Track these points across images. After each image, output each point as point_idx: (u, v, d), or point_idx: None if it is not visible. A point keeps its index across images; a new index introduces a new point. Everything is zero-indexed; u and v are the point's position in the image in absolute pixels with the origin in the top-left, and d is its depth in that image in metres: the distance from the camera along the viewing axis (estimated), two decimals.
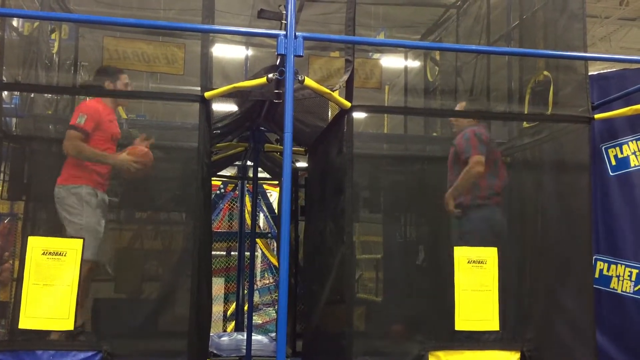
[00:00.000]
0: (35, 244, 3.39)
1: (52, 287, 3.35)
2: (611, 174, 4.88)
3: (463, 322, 3.75)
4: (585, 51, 4.28)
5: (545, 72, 4.70)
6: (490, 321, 3.79)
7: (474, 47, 5.72)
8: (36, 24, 5.53)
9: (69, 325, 3.32)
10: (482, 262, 3.83)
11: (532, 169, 4.91)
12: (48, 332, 3.39)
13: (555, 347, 4.18)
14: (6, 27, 5.11)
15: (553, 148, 4.59)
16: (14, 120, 5.60)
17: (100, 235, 4.23)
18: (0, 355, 3.22)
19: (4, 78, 4.87)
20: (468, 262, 3.82)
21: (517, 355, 3.75)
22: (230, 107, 6.31)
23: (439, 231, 5.33)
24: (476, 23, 5.80)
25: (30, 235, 3.57)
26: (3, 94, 5.04)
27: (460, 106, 4.75)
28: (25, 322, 3.31)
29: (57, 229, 4.50)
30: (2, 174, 4.91)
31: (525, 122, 4.97)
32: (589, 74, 4.33)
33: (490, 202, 4.58)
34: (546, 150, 4.69)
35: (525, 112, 4.95)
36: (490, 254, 3.87)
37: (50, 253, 3.38)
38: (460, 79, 5.97)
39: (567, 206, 4.38)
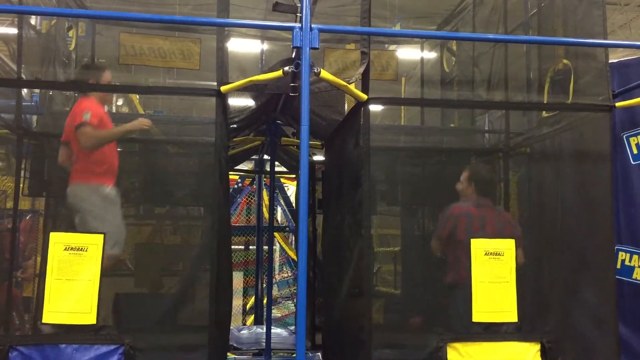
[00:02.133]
0: (57, 240, 3.43)
1: (74, 282, 3.39)
2: (633, 162, 4.81)
3: (480, 313, 3.74)
4: (605, 38, 4.21)
5: (565, 61, 4.63)
6: (508, 312, 3.76)
7: (491, 36, 5.67)
8: (54, 21, 5.58)
9: (91, 319, 3.36)
10: (499, 254, 3.80)
11: (552, 159, 4.86)
12: (71, 327, 3.43)
13: (576, 338, 4.14)
14: (24, 25, 5.17)
15: (573, 137, 4.54)
16: (34, 117, 5.68)
17: (124, 229, 4.32)
18: (24, 349, 3.27)
19: (23, 76, 4.93)
20: (485, 254, 3.79)
21: (537, 346, 3.72)
22: (247, 101, 6.32)
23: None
24: (493, 12, 5.74)
25: (51, 231, 3.60)
26: (23, 92, 5.10)
27: (463, 177, 4.57)
28: (49, 316, 3.35)
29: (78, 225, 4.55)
30: (22, 171, 4.97)
31: (544, 112, 4.91)
32: (609, 61, 4.25)
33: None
34: (566, 139, 4.63)
35: (545, 102, 4.89)
36: (507, 246, 3.84)
37: (72, 248, 3.42)
38: (477, 69, 5.91)
39: (587, 196, 4.32)
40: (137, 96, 9.54)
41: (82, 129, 4.14)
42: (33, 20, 5.69)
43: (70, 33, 5.91)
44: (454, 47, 6.67)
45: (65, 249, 3.40)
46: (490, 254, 3.77)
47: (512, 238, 3.94)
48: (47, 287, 3.36)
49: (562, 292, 4.37)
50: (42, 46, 5.47)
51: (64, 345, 3.31)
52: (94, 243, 3.45)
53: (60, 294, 3.37)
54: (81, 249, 3.43)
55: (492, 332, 3.75)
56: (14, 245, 4.90)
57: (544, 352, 3.68)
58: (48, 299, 3.36)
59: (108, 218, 4.17)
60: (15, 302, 5.59)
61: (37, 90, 6.03)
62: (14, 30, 5.39)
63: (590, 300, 4.14)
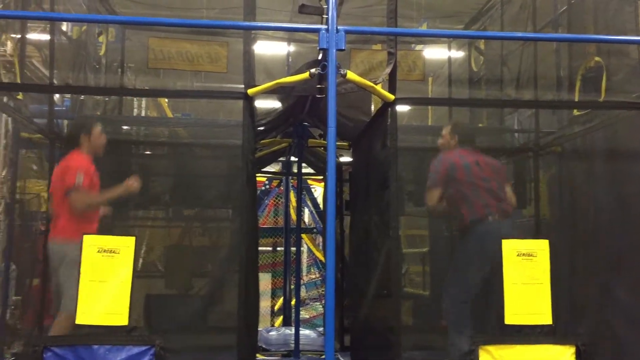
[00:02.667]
0: (90, 242, 3.49)
1: (106, 284, 3.44)
2: None
3: (513, 316, 3.68)
4: (638, 35, 4.13)
5: (597, 58, 4.55)
6: (542, 315, 3.69)
7: (520, 34, 5.59)
8: (84, 27, 5.69)
9: (123, 320, 3.41)
10: (532, 255, 3.74)
11: (584, 157, 4.77)
12: (103, 327, 3.48)
13: (612, 341, 4.06)
14: (56, 32, 5.27)
15: (606, 136, 4.45)
16: (65, 122, 5.78)
17: None
18: (58, 349, 3.33)
19: (55, 81, 5.03)
20: (517, 254, 3.73)
21: (572, 349, 3.64)
22: (273, 103, 6.35)
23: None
24: (522, 10, 5.66)
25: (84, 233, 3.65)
26: (55, 97, 5.20)
27: (445, 130, 4.46)
28: (82, 317, 3.41)
29: (107, 227, 4.63)
30: None
31: (575, 110, 4.83)
32: None
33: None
34: (598, 138, 4.55)
35: (576, 100, 4.81)
36: (541, 247, 3.77)
37: (104, 251, 3.47)
38: (506, 68, 5.84)
39: (621, 195, 4.24)
40: (166, 100, 9.66)
41: (75, 194, 4.04)
42: (64, 26, 5.81)
43: (100, 38, 6.02)
44: (482, 46, 6.60)
45: (98, 251, 3.46)
46: (523, 254, 3.71)
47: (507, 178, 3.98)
48: (80, 289, 3.42)
49: (597, 294, 4.28)
50: (73, 52, 5.58)
51: (96, 346, 3.35)
52: (125, 245, 3.50)
53: (93, 295, 3.42)
54: (113, 252, 3.47)
55: (526, 334, 3.69)
56: (47, 247, 5.00)
57: (578, 355, 3.60)
58: (81, 300, 3.41)
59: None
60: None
61: (68, 95, 6.15)
62: (46, 37, 5.51)
63: (626, 302, 4.05)
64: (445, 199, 4.22)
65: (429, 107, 7.86)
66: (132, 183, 4.26)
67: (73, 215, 4.09)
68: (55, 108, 5.30)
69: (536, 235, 5.08)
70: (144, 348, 3.39)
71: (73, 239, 3.90)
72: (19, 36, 5.08)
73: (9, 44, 5.14)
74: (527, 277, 3.68)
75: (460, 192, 4.16)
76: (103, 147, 4.37)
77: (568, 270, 4.45)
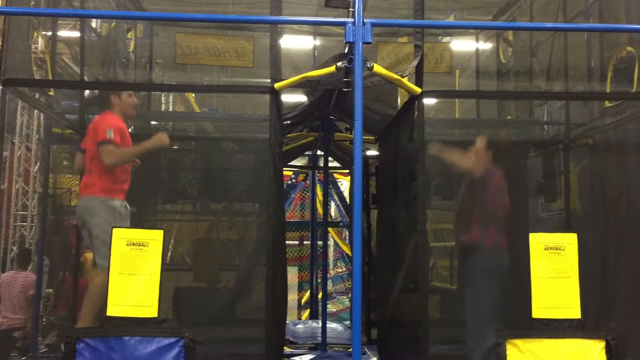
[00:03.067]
0: (120, 235, 3.55)
1: (136, 276, 3.49)
2: None
3: (541, 309, 3.64)
4: None
5: (629, 48, 4.45)
6: (570, 308, 3.65)
7: (550, 25, 5.50)
8: (113, 24, 5.76)
9: (152, 312, 3.46)
10: (560, 249, 3.69)
11: (615, 150, 4.68)
12: (134, 319, 3.54)
13: None
14: (86, 28, 5.36)
15: (638, 127, 4.36)
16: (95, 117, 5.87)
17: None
18: (91, 341, 3.40)
19: (86, 77, 5.11)
20: (545, 248, 3.69)
21: (602, 344, 3.59)
22: (300, 97, 6.35)
23: (514, 217, 5.18)
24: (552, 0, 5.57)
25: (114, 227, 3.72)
26: (85, 93, 5.29)
27: (481, 143, 4.32)
28: (113, 309, 3.47)
29: (138, 221, 4.70)
30: None
31: (607, 102, 4.74)
32: None
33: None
34: (631, 130, 4.46)
35: (608, 91, 4.71)
36: (569, 240, 3.72)
37: (133, 244, 3.52)
38: (535, 59, 5.75)
39: None
40: (193, 95, 9.74)
41: (105, 146, 4.09)
42: (94, 23, 5.89)
43: (129, 35, 6.09)
44: (511, 37, 6.50)
45: (127, 244, 3.52)
46: (551, 248, 3.67)
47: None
48: (110, 281, 3.48)
49: (628, 287, 4.21)
50: (102, 48, 5.66)
51: (127, 337, 3.42)
52: (154, 238, 3.55)
53: (123, 287, 3.48)
54: (142, 244, 3.53)
55: (554, 328, 3.65)
56: (79, 241, 5.10)
57: (608, 349, 3.55)
58: (112, 293, 3.48)
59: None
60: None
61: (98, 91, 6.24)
62: (76, 34, 5.59)
63: None
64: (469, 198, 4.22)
65: (456, 99, 7.77)
66: (162, 137, 4.32)
67: (104, 172, 4.14)
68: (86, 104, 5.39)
69: (567, 228, 5.01)
70: (173, 340, 3.44)
71: (104, 195, 4.09)
72: (49, 33, 5.17)
73: (41, 41, 5.24)
74: (554, 270, 3.63)
75: (483, 207, 4.13)
76: (134, 107, 4.42)
77: (599, 264, 4.37)
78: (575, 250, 3.68)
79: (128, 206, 4.24)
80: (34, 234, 9.11)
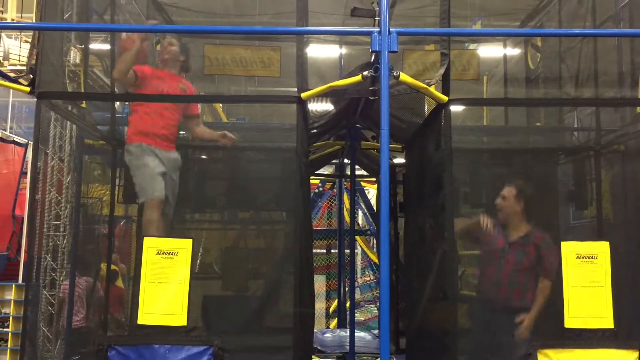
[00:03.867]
0: (150, 245, 3.60)
1: (166, 285, 3.54)
2: None
3: (573, 319, 3.58)
4: None
5: None
6: (603, 318, 3.58)
7: (578, 30, 5.43)
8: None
9: (182, 321, 3.50)
10: (592, 257, 3.63)
11: None
12: (164, 327, 3.58)
13: None
14: (116, 41, 5.46)
15: None
16: (126, 128, 5.97)
17: (161, 180, 4.44)
18: (121, 348, 3.46)
19: (116, 90, 5.21)
20: (577, 257, 3.64)
21: (635, 354, 3.52)
22: (326, 106, 6.37)
23: (544, 224, 5.11)
24: (580, 5, 5.49)
25: (145, 236, 3.78)
26: (116, 105, 5.39)
27: (508, 193, 4.22)
28: (144, 318, 3.52)
29: (168, 230, 4.76)
30: (117, 179, 5.24)
31: (638, 107, 4.65)
32: None
33: None
34: None
35: (639, 97, 4.63)
36: (601, 249, 3.66)
37: (163, 253, 3.58)
38: (564, 65, 5.68)
39: None
40: (221, 105, 9.85)
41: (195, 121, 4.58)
42: (124, 36, 6.00)
43: (158, 47, 6.18)
44: (539, 43, 6.43)
45: (157, 253, 3.57)
46: (583, 257, 3.61)
47: None
48: (141, 290, 3.53)
49: None
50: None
51: (157, 346, 3.46)
52: (183, 247, 3.60)
53: (153, 296, 3.53)
54: (172, 253, 3.58)
55: (586, 338, 3.59)
56: (110, 250, 5.19)
57: None
58: (143, 301, 3.53)
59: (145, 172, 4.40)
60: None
61: (127, 102, 6.35)
62: (106, 46, 5.71)
63: None
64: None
65: (484, 106, 7.70)
66: (228, 136, 4.78)
67: (142, 120, 4.44)
68: (117, 115, 5.49)
69: (598, 237, 4.92)
70: (202, 348, 3.48)
71: (141, 142, 4.41)
72: (82, 46, 5.29)
73: (73, 55, 5.36)
74: (587, 279, 3.57)
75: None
76: (168, 49, 4.79)
77: (632, 272, 4.28)
78: (607, 259, 3.62)
79: (158, 151, 4.44)
80: (67, 243, 9.28)
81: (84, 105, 5.12)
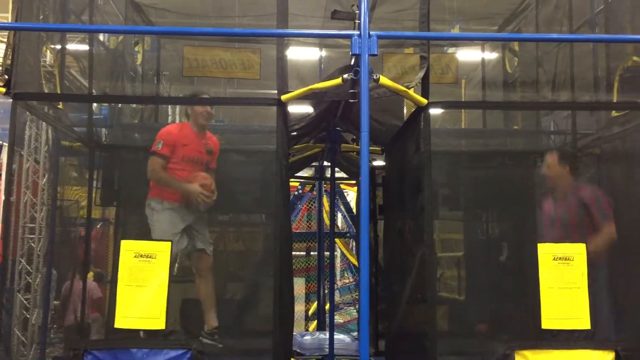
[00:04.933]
0: (128, 247, 3.56)
1: (144, 288, 3.50)
2: None
3: (550, 320, 3.62)
4: None
5: (635, 58, 4.45)
6: (579, 319, 3.63)
7: (555, 35, 5.51)
8: (121, 37, 5.82)
9: (160, 324, 3.47)
10: (568, 259, 3.68)
11: (623, 159, 4.67)
12: (142, 331, 3.55)
13: None
14: (94, 42, 5.40)
15: None
16: (103, 130, 5.92)
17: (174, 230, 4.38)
18: (98, 352, 3.41)
19: (94, 91, 5.16)
20: (554, 259, 3.68)
21: (611, 355, 3.57)
22: (306, 108, 6.37)
23: (523, 227, 5.16)
24: (557, 10, 5.58)
25: (122, 239, 3.74)
26: (93, 106, 5.33)
27: (552, 160, 4.50)
28: (121, 321, 3.48)
29: (145, 233, 4.72)
30: (95, 182, 5.18)
31: (614, 111, 4.73)
32: None
33: None
34: (638, 139, 4.44)
35: (614, 101, 4.71)
36: (577, 251, 3.71)
37: (141, 256, 3.54)
38: (541, 69, 5.76)
39: None
40: None
41: (151, 158, 4.33)
42: (102, 36, 5.94)
43: (137, 48, 6.14)
44: (516, 48, 6.51)
45: (135, 256, 3.53)
46: (559, 259, 3.66)
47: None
48: (118, 293, 3.49)
49: (638, 298, 4.18)
50: (110, 62, 5.71)
51: (135, 349, 3.42)
52: (162, 250, 3.57)
53: (131, 299, 3.49)
54: (150, 256, 3.54)
55: (563, 339, 3.63)
56: (87, 252, 5.13)
57: None
58: (120, 305, 3.48)
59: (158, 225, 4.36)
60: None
61: (106, 104, 6.29)
62: (84, 47, 5.65)
63: None
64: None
65: (463, 110, 7.77)
66: (199, 190, 4.35)
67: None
68: (94, 117, 5.43)
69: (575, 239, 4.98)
70: (181, 352, 3.45)
71: (159, 198, 4.35)
72: (58, 47, 5.22)
73: (49, 55, 5.29)
74: (563, 281, 3.62)
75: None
76: (205, 116, 4.52)
77: (608, 274, 4.34)
78: (584, 261, 3.67)
79: (167, 203, 4.37)
80: (42, 246, 9.14)
81: (60, 106, 5.05)
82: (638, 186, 4.44)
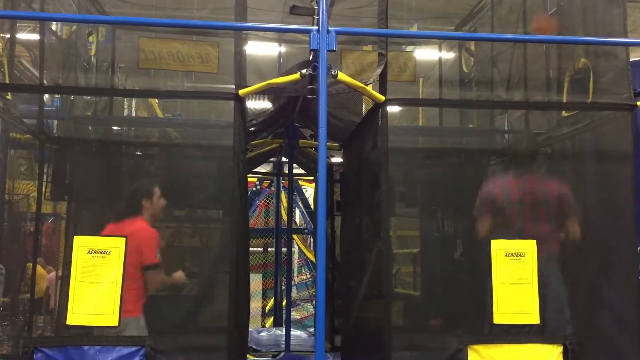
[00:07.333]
0: (81, 243, 3.47)
1: (97, 285, 3.43)
2: None
3: (501, 315, 3.71)
4: (626, 37, 4.16)
5: (584, 60, 4.59)
6: (530, 314, 3.73)
7: (509, 36, 5.63)
8: (74, 27, 5.66)
9: (113, 321, 3.40)
10: (520, 255, 3.77)
11: (572, 159, 4.81)
12: (93, 328, 3.47)
13: (600, 341, 4.09)
14: (46, 31, 5.24)
15: (594, 137, 4.48)
16: (55, 122, 5.76)
17: None
18: (48, 350, 3.32)
19: (45, 81, 5.01)
20: (506, 255, 3.76)
21: (559, 349, 3.68)
22: (264, 104, 6.35)
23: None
24: (512, 11, 5.70)
25: (74, 234, 3.65)
26: (44, 97, 5.17)
27: None
28: (73, 318, 3.39)
29: (98, 228, 4.61)
30: (45, 175, 5.04)
31: (564, 111, 4.87)
32: (631, 60, 4.20)
33: None
34: (586, 139, 4.58)
35: (564, 101, 4.84)
36: (528, 247, 3.80)
37: (95, 252, 3.46)
38: (496, 69, 5.87)
39: (609, 197, 4.27)
40: (157, 100, 9.64)
41: (155, 273, 4.13)
42: (54, 26, 5.77)
43: (91, 38, 5.98)
44: (472, 48, 6.63)
45: (88, 252, 3.45)
46: (511, 255, 3.74)
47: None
48: (71, 290, 3.41)
49: (585, 294, 4.32)
50: (62, 52, 5.55)
51: (86, 347, 3.35)
52: (116, 246, 3.49)
53: (83, 296, 3.41)
54: (104, 252, 3.47)
55: (514, 334, 3.72)
56: (37, 248, 4.98)
57: (566, 354, 3.64)
58: (72, 301, 3.40)
59: None
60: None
61: (58, 95, 6.12)
62: (35, 36, 5.48)
63: (614, 302, 4.08)
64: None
65: (420, 107, 7.87)
66: (182, 275, 4.42)
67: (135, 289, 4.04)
68: (45, 108, 5.27)
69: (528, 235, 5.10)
70: (134, 349, 3.39)
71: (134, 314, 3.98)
72: (7, 36, 5.05)
73: None
74: (515, 276, 3.71)
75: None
76: (162, 209, 4.42)
77: (557, 271, 4.47)
78: (534, 257, 3.77)
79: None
80: None
81: (9, 97, 4.89)
82: (587, 185, 4.58)
